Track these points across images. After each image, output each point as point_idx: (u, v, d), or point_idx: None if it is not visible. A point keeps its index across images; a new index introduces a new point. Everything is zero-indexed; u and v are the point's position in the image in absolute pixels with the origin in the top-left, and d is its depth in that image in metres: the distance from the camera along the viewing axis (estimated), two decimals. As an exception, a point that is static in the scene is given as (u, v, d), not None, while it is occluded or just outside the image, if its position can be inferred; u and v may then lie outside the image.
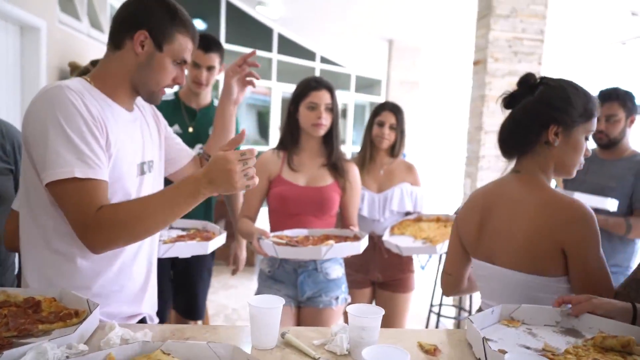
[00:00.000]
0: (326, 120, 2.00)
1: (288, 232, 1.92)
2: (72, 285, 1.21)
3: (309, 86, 2.01)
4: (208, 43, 2.35)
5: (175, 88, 2.54)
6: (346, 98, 10.09)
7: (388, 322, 2.26)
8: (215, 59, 2.38)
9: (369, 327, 1.03)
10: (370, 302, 2.58)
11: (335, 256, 1.81)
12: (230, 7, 8.04)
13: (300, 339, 1.10)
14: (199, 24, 8.08)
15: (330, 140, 2.06)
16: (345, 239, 1.90)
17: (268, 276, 2.04)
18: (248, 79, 1.57)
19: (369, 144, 2.59)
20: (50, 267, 1.22)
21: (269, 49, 8.67)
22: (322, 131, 2.02)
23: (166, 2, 1.28)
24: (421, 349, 1.11)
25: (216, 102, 2.46)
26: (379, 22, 6.85)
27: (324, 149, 2.09)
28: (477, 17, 4.32)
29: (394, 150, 2.57)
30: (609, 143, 2.46)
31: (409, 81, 7.72)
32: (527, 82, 1.39)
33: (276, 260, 2.00)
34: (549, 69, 4.71)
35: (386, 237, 2.36)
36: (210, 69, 2.39)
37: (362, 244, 1.79)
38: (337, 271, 2.05)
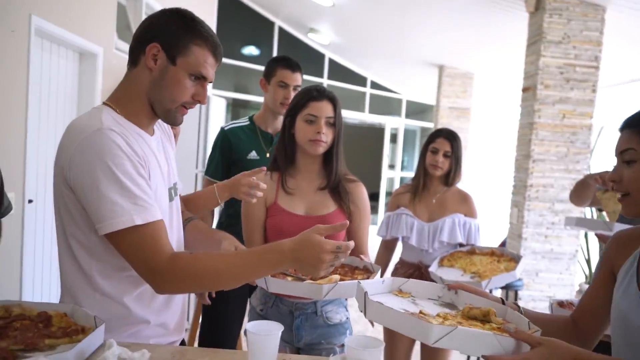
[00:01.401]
0: (326, 136, 1.70)
1: None
2: (123, 324, 1.21)
3: (308, 96, 1.72)
4: (293, 63, 2.34)
5: (242, 111, 2.51)
6: (397, 123, 10.05)
7: None
8: (300, 79, 2.37)
9: (366, 361, 0.99)
10: (410, 346, 2.45)
11: (339, 297, 1.49)
12: (283, 34, 8.25)
13: (300, 369, 1.08)
14: (253, 50, 8.33)
15: (330, 160, 1.76)
16: (354, 270, 1.63)
17: (260, 314, 1.75)
18: (252, 191, 1.50)
19: (423, 172, 2.51)
20: (98, 308, 1.19)
21: (320, 74, 8.81)
22: (321, 149, 1.71)
23: (182, 14, 1.21)
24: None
25: None
26: (429, 47, 6.82)
27: (323, 171, 1.78)
28: (527, 43, 4.22)
29: (449, 178, 2.48)
30: None
31: (459, 107, 7.61)
32: None
33: (270, 297, 1.72)
34: (604, 97, 4.51)
35: (433, 269, 2.19)
36: (296, 88, 2.33)
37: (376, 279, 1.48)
38: (340, 315, 1.74)
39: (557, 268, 4.06)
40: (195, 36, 1.18)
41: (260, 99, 8.24)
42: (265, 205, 1.75)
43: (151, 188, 1.17)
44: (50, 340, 1.05)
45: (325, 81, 8.79)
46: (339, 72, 8.98)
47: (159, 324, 1.26)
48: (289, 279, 1.44)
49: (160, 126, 1.37)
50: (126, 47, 4.10)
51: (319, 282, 1.38)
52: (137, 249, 1.10)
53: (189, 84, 1.19)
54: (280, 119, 2.22)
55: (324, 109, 1.70)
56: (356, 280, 1.38)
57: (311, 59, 8.73)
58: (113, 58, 3.87)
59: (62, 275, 1.23)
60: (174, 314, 1.32)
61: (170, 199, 1.31)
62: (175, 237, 1.32)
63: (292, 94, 2.27)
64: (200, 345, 2.36)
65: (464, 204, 2.49)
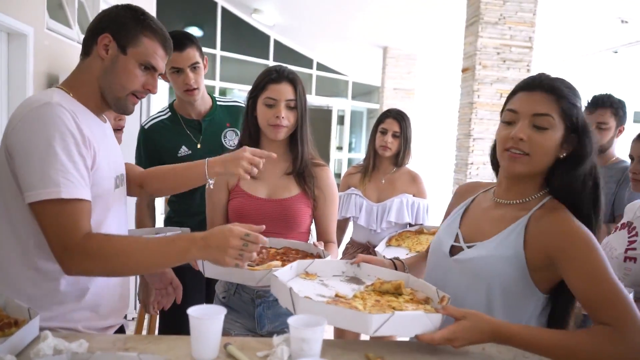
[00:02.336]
0: (287, 120, 1.63)
1: None
2: (54, 303, 1.21)
3: (267, 78, 1.65)
4: (180, 41, 1.93)
5: (165, 102, 2.27)
6: (344, 105, 10.11)
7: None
8: (194, 55, 1.99)
9: (309, 339, 1.01)
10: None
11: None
12: (227, 15, 8.07)
13: (244, 350, 1.08)
14: (196, 32, 8.11)
15: (295, 143, 1.71)
16: (306, 257, 1.55)
17: (222, 302, 1.69)
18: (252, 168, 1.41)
19: (373, 153, 2.55)
20: (30, 285, 1.20)
21: (265, 56, 8.71)
22: (282, 134, 1.65)
23: (133, 8, 1.27)
24: (367, 360, 1.09)
25: (219, 101, 2.17)
26: (373, 28, 6.87)
27: (288, 154, 1.73)
28: (466, 24, 4.33)
29: (398, 158, 2.53)
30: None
31: (404, 88, 7.73)
32: None
33: (232, 285, 1.67)
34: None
35: (380, 249, 2.26)
36: (194, 67, 2.00)
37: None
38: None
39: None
40: (145, 28, 1.25)
41: (207, 82, 8.08)
42: (228, 188, 1.71)
43: (90, 170, 1.18)
44: (-19, 335, 1.01)
45: (270, 63, 8.70)
46: (285, 53, 8.91)
47: (89, 307, 1.26)
48: None
49: (109, 122, 1.40)
50: (60, 28, 3.91)
51: (256, 268, 1.33)
52: (55, 224, 1.11)
53: (139, 73, 1.25)
54: (201, 101, 2.08)
55: (283, 91, 1.63)
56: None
57: (256, 41, 8.61)
58: (45, 38, 3.67)
59: None
60: (110, 298, 1.32)
61: (116, 186, 1.33)
62: (114, 226, 1.31)
63: (192, 75, 1.99)
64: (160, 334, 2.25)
65: (413, 184, 2.53)
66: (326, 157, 9.69)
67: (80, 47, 1.30)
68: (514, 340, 1.08)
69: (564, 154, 1.20)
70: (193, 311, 1.05)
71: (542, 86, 1.19)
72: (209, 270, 1.35)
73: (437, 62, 8.18)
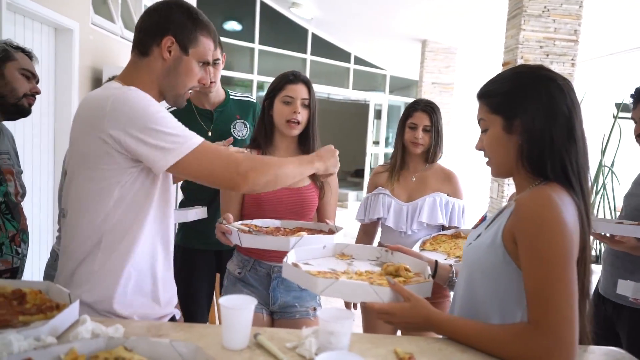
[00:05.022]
0: (301, 116, 1.85)
1: (258, 222, 1.79)
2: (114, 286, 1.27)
3: (285, 79, 1.88)
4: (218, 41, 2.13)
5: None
6: (381, 99, 10.04)
7: None
8: (217, 52, 2.18)
9: (337, 332, 1.01)
10: (394, 332, 2.15)
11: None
12: (265, 8, 8.13)
13: (274, 340, 1.10)
14: (235, 26, 8.21)
15: (307, 139, 1.92)
16: (320, 232, 1.74)
17: (238, 278, 1.87)
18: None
19: (401, 149, 2.31)
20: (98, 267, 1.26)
21: (303, 50, 8.73)
22: (296, 131, 1.87)
23: (186, 7, 1.33)
24: (396, 356, 1.09)
25: (232, 95, 2.37)
26: (412, 21, 6.78)
27: (300, 150, 1.94)
28: (507, 16, 4.22)
29: (429, 155, 2.26)
30: None
31: (442, 83, 7.61)
32: None
33: (248, 260, 1.86)
34: (583, 71, 4.54)
35: None
36: (215, 63, 2.18)
37: (337, 238, 1.63)
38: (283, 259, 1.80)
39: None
40: (202, 28, 1.33)
41: (245, 76, 8.17)
42: None
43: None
44: (25, 317, 1.06)
45: (308, 57, 8.72)
46: (323, 47, 8.91)
47: (151, 295, 1.34)
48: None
49: None
50: (104, 23, 4.03)
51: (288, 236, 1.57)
52: (216, 159, 1.25)
53: (197, 71, 1.35)
54: (215, 92, 2.27)
55: (300, 91, 1.86)
56: (322, 235, 1.66)
57: (294, 35, 8.64)
58: (90, 33, 3.79)
59: (69, 242, 1.29)
60: (170, 286, 1.41)
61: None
62: (171, 203, 1.40)
63: (213, 70, 2.16)
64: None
65: (448, 183, 2.28)
66: (362, 152, 9.65)
67: (123, 41, 1.36)
68: (442, 329, 1.15)
69: (518, 141, 1.15)
70: (225, 301, 1.07)
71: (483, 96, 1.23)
72: (246, 240, 1.57)
73: (477, 56, 8.01)
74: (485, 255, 1.18)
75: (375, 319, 2.09)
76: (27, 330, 0.95)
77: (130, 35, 4.52)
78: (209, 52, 1.35)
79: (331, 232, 1.72)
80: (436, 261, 1.50)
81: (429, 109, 2.23)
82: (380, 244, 2.38)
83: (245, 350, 1.06)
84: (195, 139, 1.23)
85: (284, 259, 1.34)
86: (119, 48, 4.30)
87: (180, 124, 1.25)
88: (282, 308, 1.85)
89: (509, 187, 4.08)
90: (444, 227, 2.27)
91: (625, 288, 1.82)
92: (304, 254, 1.48)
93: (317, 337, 1.05)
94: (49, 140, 3.43)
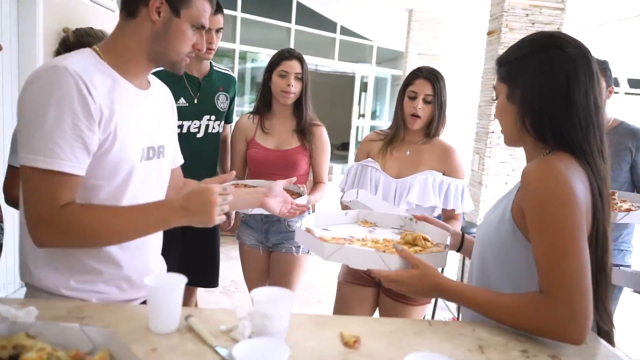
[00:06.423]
0: (295, 88, 2.20)
1: (249, 181, 2.16)
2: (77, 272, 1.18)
3: (281, 56, 2.23)
4: (217, 5, 2.14)
5: None
6: (367, 71, 9.85)
7: None
8: (221, 20, 2.25)
9: (272, 315, 0.92)
10: (372, 308, 2.07)
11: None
12: (247, -25, 7.84)
13: (208, 323, 1.01)
14: (216, -8, 7.91)
15: (300, 107, 2.27)
16: (292, 194, 1.94)
17: (243, 221, 2.35)
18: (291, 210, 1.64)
19: (401, 122, 2.06)
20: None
21: (287, 19, 8.48)
22: (290, 100, 2.22)
23: None
24: (341, 339, 1.00)
25: (215, 67, 2.40)
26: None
27: (294, 116, 2.30)
28: (493, -17, 4.06)
29: (431, 128, 2.03)
30: None
31: (429, 54, 7.44)
32: None
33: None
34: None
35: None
36: (218, 31, 2.25)
37: (301, 200, 1.77)
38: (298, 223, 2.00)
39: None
40: None
41: (226, 45, 7.92)
42: (247, 141, 2.33)
43: (89, 147, 1.09)
44: None
45: (292, 26, 8.48)
46: (308, 16, 8.65)
47: (124, 277, 1.23)
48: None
49: (163, 92, 1.40)
50: (68, -16, 3.81)
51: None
52: (34, 192, 1.08)
53: (191, 35, 1.22)
54: (205, 62, 2.34)
55: (294, 66, 2.20)
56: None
57: (278, 3, 8.38)
58: (54, -3, 3.58)
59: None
60: (143, 266, 1.28)
61: (148, 157, 1.25)
62: (141, 199, 1.23)
63: (215, 38, 2.25)
64: None
65: (446, 159, 2.03)
66: (348, 125, 9.51)
67: (91, 4, 1.21)
68: (452, 296, 1.13)
69: (518, 109, 1.12)
70: (151, 280, 0.97)
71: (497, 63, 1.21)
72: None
73: (464, 26, 7.82)
74: (495, 232, 1.16)
75: (353, 300, 2.05)
76: None
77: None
78: (204, 14, 1.22)
79: (299, 194, 1.99)
80: (463, 233, 1.50)
81: (432, 76, 2.00)
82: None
83: (174, 334, 0.97)
84: (32, 158, 1.05)
85: (298, 224, 1.41)
86: (88, 11, 4.09)
87: (61, 135, 1.06)
88: (273, 245, 2.29)
89: (490, 159, 4.00)
90: (436, 210, 2.04)
91: (620, 278, 1.75)
92: (324, 219, 1.54)
93: (252, 320, 0.96)
94: (12, 113, 3.27)
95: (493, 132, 3.96)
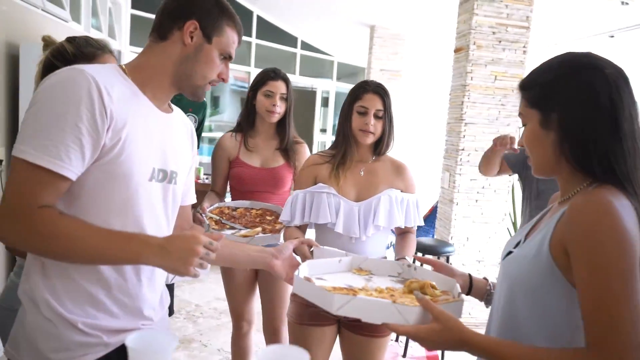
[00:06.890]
0: (280, 108, 2.27)
1: (230, 204, 2.23)
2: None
3: (267, 76, 2.28)
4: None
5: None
6: (328, 86, 9.82)
7: None
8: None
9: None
10: (332, 343, 1.95)
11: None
12: (207, -13, 7.66)
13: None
14: (174, 4, 7.70)
15: (283, 126, 2.33)
16: (277, 217, 2.05)
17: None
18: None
19: (349, 139, 1.92)
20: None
21: (248, 33, 8.34)
22: (275, 118, 2.29)
23: None
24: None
25: None
26: (360, 5, 6.57)
27: (277, 134, 2.35)
28: (460, 0, 4.08)
29: (380, 145, 1.94)
30: None
31: (391, 70, 7.47)
32: None
33: None
34: (534, 58, 4.49)
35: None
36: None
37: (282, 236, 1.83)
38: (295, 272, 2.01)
39: (487, 232, 4.07)
40: (228, 17, 1.22)
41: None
42: (229, 160, 2.35)
43: (84, 156, 1.04)
44: None
45: (253, 40, 8.36)
46: (268, 31, 8.55)
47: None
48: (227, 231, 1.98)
49: (185, 125, 1.36)
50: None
51: (246, 233, 1.97)
52: (13, 182, 1.02)
53: (218, 63, 1.22)
54: None
55: (279, 86, 2.27)
56: (269, 235, 2.01)
57: (238, 16, 8.23)
58: (3, 4, 3.33)
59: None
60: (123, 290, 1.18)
61: (156, 179, 1.19)
62: (153, 224, 1.18)
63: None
64: None
65: (400, 176, 1.96)
66: (309, 140, 9.40)
67: (45, 14, 1.08)
68: (481, 352, 1.01)
69: (556, 137, 1.02)
70: (131, 341, 0.80)
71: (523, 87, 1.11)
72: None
73: (426, 43, 7.91)
74: (529, 268, 1.02)
75: (312, 345, 1.85)
76: None
77: (54, 9, 4.06)
78: (233, 45, 1.23)
79: (277, 215, 2.09)
80: (470, 275, 1.37)
81: (381, 90, 1.89)
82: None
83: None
84: (21, 148, 1.00)
85: (295, 273, 1.27)
86: (40, 22, 3.84)
87: (59, 134, 1.01)
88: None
89: (461, 177, 3.97)
90: (399, 231, 1.99)
91: None
92: (318, 268, 1.42)
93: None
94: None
95: (463, 150, 3.94)
